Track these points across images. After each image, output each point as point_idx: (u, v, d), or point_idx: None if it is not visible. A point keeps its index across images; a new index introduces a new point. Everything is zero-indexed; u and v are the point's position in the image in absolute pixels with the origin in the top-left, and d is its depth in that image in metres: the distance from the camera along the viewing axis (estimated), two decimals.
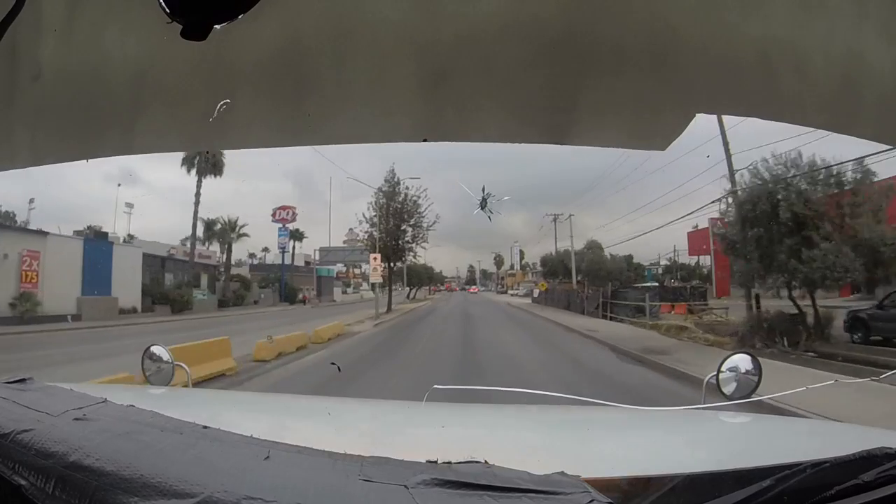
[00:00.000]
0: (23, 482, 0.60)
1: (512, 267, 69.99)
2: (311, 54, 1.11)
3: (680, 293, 22.28)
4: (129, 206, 31.19)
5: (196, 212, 32.74)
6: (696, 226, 28.19)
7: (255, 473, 0.58)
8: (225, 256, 39.10)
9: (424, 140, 1.36)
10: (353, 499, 0.55)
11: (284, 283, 42.28)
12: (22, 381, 0.87)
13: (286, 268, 44.04)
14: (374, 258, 25.07)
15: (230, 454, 0.63)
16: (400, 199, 28.42)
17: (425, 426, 1.50)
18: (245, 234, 39.87)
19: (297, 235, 47.21)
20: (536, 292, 38.07)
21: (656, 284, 26.00)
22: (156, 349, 1.89)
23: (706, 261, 31.01)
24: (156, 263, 28.55)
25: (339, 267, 52.01)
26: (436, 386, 1.46)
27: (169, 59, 1.07)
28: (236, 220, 39.49)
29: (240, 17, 0.68)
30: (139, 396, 1.51)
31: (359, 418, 1.64)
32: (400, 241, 29.34)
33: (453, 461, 0.61)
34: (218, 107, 1.12)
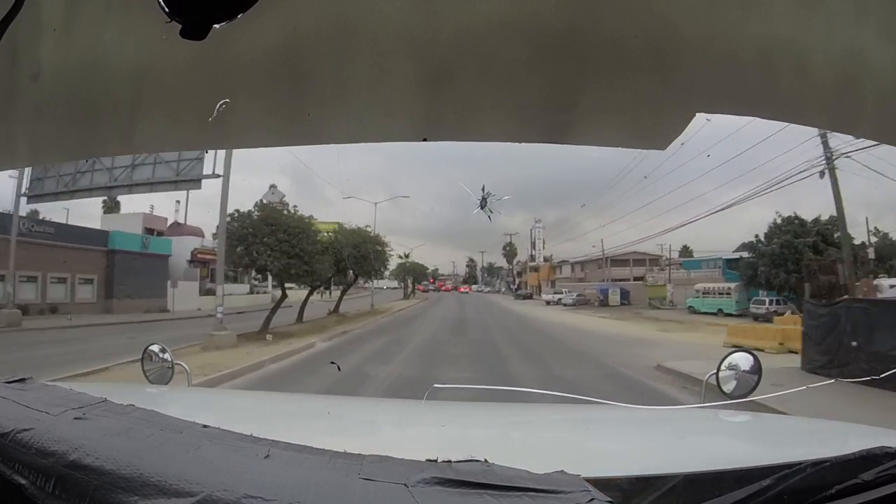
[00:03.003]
0: (23, 481, 0.60)
1: (533, 259, 43.56)
2: (311, 53, 1.11)
3: None
4: None
5: None
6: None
7: (255, 472, 0.58)
8: None
9: (424, 139, 1.35)
10: (353, 497, 0.55)
11: None
12: (22, 380, 0.87)
13: None
14: None
15: (230, 453, 0.63)
16: None
17: (425, 425, 1.50)
18: None
19: None
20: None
21: None
22: (156, 349, 1.89)
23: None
24: None
25: (207, 242, 23.70)
26: (436, 385, 1.46)
27: (168, 59, 1.07)
28: None
29: (239, 16, 0.68)
30: (139, 396, 1.51)
31: (359, 417, 1.64)
32: None
33: (453, 460, 0.61)
34: (217, 106, 1.12)
